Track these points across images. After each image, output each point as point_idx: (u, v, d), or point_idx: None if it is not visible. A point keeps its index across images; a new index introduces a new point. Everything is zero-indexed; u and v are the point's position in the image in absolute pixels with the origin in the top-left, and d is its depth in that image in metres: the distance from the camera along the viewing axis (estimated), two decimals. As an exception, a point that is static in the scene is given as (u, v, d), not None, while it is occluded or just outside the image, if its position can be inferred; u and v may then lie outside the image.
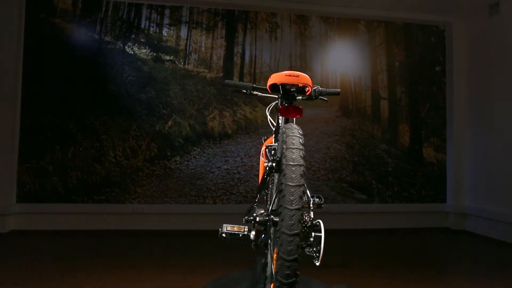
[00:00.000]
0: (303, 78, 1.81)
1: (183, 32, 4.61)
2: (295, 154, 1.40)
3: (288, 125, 1.56)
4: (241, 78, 4.67)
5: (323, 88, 2.14)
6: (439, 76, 5.12)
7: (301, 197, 1.32)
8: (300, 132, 1.51)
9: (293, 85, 1.82)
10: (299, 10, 4.76)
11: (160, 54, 4.53)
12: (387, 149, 4.92)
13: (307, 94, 1.93)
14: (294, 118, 1.91)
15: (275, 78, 1.84)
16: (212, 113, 4.58)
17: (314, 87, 2.11)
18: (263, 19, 4.77)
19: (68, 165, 4.24)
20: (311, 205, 1.77)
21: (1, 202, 4.01)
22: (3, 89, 4.10)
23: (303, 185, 1.35)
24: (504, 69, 4.33)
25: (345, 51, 4.91)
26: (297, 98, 2.12)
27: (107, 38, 4.43)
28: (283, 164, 1.40)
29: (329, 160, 4.77)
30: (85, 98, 4.34)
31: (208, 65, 4.63)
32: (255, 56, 4.72)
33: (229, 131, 4.61)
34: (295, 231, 1.28)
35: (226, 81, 2.27)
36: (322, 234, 1.52)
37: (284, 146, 1.43)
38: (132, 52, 4.47)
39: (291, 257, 1.26)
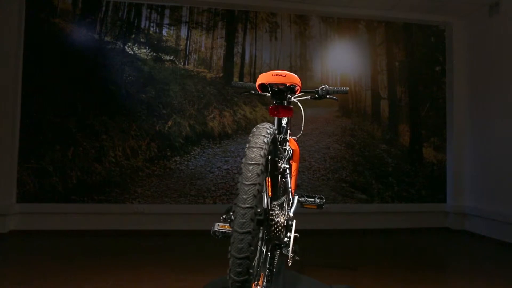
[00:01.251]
0: (290, 77, 1.81)
1: (183, 32, 4.61)
2: (254, 153, 1.39)
3: (260, 125, 1.56)
4: (241, 78, 4.67)
5: (330, 87, 2.14)
6: (439, 76, 5.12)
7: (255, 196, 1.32)
8: (269, 132, 1.49)
9: (282, 85, 1.82)
10: (299, 10, 4.76)
11: (160, 54, 4.52)
12: (387, 149, 4.92)
13: (297, 93, 1.94)
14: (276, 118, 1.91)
15: (263, 78, 1.84)
16: (212, 113, 4.58)
17: (322, 86, 2.12)
18: (263, 19, 4.77)
19: (68, 165, 4.24)
20: (289, 205, 1.78)
21: (1, 202, 4.01)
22: (3, 89, 4.09)
23: (259, 183, 1.34)
24: (504, 69, 4.33)
25: (345, 51, 4.91)
26: (306, 98, 2.13)
27: (107, 38, 4.43)
28: (242, 163, 1.41)
29: (329, 160, 4.77)
30: (85, 98, 4.33)
31: (208, 65, 4.63)
32: (255, 56, 4.72)
33: (229, 131, 4.61)
34: (246, 229, 1.28)
35: (233, 82, 2.31)
36: (292, 235, 1.52)
37: (247, 145, 1.44)
38: (132, 52, 4.47)
39: (241, 255, 1.26)
